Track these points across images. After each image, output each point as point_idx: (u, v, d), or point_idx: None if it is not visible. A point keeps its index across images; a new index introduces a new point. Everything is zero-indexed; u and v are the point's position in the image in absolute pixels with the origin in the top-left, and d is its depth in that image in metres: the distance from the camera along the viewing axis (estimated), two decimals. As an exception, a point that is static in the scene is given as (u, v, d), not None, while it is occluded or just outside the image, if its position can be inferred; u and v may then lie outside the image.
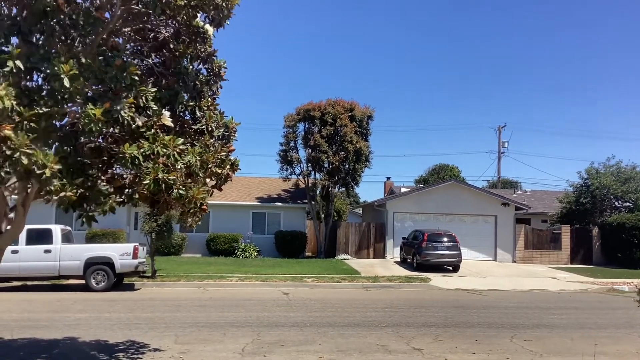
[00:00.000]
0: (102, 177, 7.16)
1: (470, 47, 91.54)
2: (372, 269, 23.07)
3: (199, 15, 7.78)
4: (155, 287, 17.67)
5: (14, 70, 5.37)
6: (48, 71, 5.69)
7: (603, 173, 31.28)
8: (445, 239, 23.16)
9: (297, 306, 13.98)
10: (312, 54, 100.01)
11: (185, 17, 7.48)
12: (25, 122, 5.26)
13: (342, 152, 28.07)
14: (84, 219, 6.43)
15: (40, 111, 5.52)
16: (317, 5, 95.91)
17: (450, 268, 23.33)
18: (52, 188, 5.70)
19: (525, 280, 21.00)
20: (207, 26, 7.92)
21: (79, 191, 6.21)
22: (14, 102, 5.18)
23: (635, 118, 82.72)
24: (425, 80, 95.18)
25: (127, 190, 6.93)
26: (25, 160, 5.12)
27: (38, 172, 5.25)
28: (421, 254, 22.91)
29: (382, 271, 22.36)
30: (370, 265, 24.62)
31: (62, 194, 5.85)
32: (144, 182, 6.17)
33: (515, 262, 28.23)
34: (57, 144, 6.09)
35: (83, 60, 6.10)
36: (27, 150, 5.13)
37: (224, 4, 7.48)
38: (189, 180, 6.82)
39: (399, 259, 26.76)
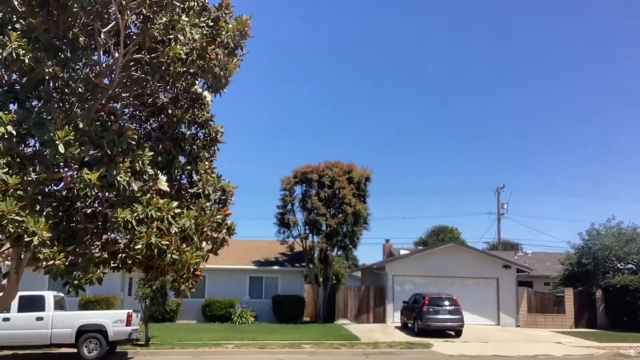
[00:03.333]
0: (97, 243, 7.07)
1: (468, 109, 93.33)
2: (372, 334, 22.49)
3: (197, 82, 7.93)
4: (148, 355, 17.12)
5: (6, 136, 5.39)
6: (43, 137, 5.72)
7: (604, 234, 31.09)
8: (446, 303, 22.70)
9: (295, 375, 13.51)
10: (310, 117, 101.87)
11: (184, 84, 7.62)
12: (11, 190, 5.22)
13: (340, 215, 27.99)
14: (70, 288, 6.28)
15: (29, 178, 5.50)
16: (315, 70, 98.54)
17: (453, 333, 22.74)
18: (41, 256, 5.61)
19: (529, 346, 20.44)
20: (206, 93, 8.06)
21: (68, 258, 6.11)
22: (1, 172, 5.17)
23: (635, 179, 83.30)
24: (422, 142, 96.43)
25: (120, 255, 6.83)
26: (11, 228, 5.06)
27: (27, 239, 5.18)
28: (422, 319, 22.40)
29: (383, 337, 21.79)
30: (370, 330, 24.03)
31: (52, 262, 5.75)
32: (136, 247, 6.09)
33: (518, 326, 27.59)
34: (48, 209, 6.04)
35: (80, 125, 6.15)
36: (15, 217, 5.07)
37: (222, 72, 7.63)
38: (184, 244, 6.74)
39: (399, 324, 26.14)
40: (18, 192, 5.30)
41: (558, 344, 21.31)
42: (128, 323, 16.25)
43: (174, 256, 6.19)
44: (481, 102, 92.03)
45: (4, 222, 5.01)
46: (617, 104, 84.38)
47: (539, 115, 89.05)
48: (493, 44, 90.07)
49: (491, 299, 28.12)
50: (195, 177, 7.87)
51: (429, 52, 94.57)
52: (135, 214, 5.98)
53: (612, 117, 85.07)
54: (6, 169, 5.32)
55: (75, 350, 16.14)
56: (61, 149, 5.52)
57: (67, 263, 6.07)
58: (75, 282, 6.35)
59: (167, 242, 6.05)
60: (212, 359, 16.43)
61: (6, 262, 7.03)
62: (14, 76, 6.59)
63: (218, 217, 7.28)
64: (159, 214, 6.07)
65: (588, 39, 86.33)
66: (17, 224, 5.10)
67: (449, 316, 22.44)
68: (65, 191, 6.57)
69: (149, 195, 6.37)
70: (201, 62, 7.18)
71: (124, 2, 6.31)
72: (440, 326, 22.40)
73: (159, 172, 6.96)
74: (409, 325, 24.21)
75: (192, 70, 7.26)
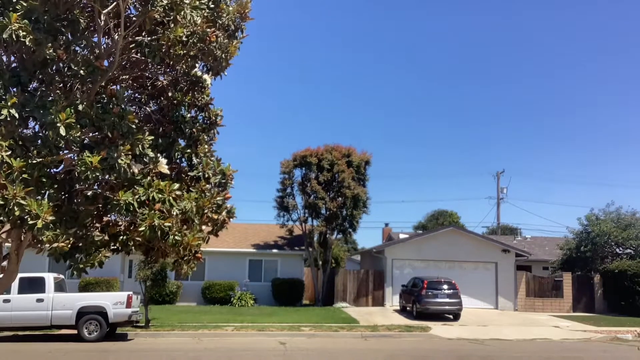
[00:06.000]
0: (97, 225, 7.07)
1: (470, 94, 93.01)
2: (371, 317, 22.64)
3: (197, 65, 7.86)
4: (148, 337, 17.25)
5: (8, 119, 5.36)
6: (44, 119, 5.69)
7: (603, 219, 31.13)
8: (445, 287, 22.81)
9: (294, 356, 13.62)
10: (310, 102, 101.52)
11: (184, 67, 7.56)
12: (16, 173, 5.21)
13: (340, 198, 28.01)
14: (74, 270, 6.31)
15: (33, 161, 5.49)
16: (314, 54, 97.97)
17: (451, 316, 22.89)
18: (44, 238, 5.61)
19: (527, 329, 20.59)
20: (205, 76, 8.00)
21: (71, 241, 6.11)
22: (5, 154, 5.16)
23: (634, 165, 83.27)
24: (423, 126, 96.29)
25: (121, 237, 6.83)
26: (17, 212, 5.06)
27: (31, 222, 5.18)
28: (421, 302, 22.52)
29: (382, 320, 21.93)
30: (369, 313, 24.18)
31: (55, 244, 5.76)
32: (140, 229, 6.09)
33: (516, 310, 27.76)
34: (51, 191, 6.03)
35: (80, 107, 6.12)
36: (21, 201, 5.07)
37: (223, 55, 7.57)
38: (185, 226, 6.74)
39: (398, 307, 26.30)
40: (23, 174, 5.29)
41: (556, 327, 21.45)
42: (128, 305, 16.35)
43: (176, 237, 6.19)
44: (482, 87, 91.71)
45: (10, 206, 5.01)
46: (617, 91, 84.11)
47: (539, 100, 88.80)
48: (495, 30, 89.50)
49: (490, 283, 28.26)
50: (195, 161, 7.84)
51: (431, 37, 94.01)
52: (136, 196, 5.98)
53: (612, 103, 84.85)
54: (9, 152, 5.31)
55: (75, 331, 16.26)
56: (62, 131, 5.50)
57: (70, 245, 6.08)
58: (80, 265, 6.37)
59: (170, 224, 6.05)
60: (212, 340, 16.54)
61: (6, 244, 7.03)
62: (13, 58, 6.54)
63: (218, 199, 7.28)
64: (160, 195, 6.06)
65: (589, 28, 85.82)
66: (22, 208, 5.10)
67: (447, 300, 22.57)
68: (64, 173, 6.56)
69: (149, 178, 6.36)
70: (201, 44, 7.11)
71: (124, -17, 6.24)
72: (438, 310, 22.54)
73: (159, 155, 6.94)
74: (408, 308, 24.36)
75: (192, 53, 7.20)
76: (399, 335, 18.47)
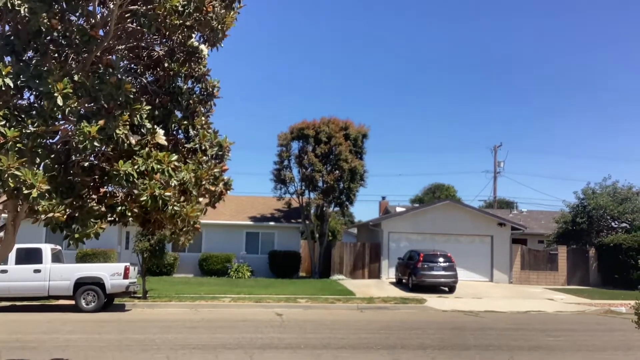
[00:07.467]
0: (93, 196, 7.03)
1: (468, 68, 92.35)
2: (367, 289, 22.84)
3: (194, 35, 7.72)
4: (146, 307, 17.39)
5: (3, 88, 5.27)
6: (41, 89, 5.60)
7: (599, 193, 31.26)
8: (441, 260, 22.99)
9: (290, 327, 13.76)
10: (307, 74, 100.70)
11: (180, 37, 7.43)
12: (10, 143, 5.13)
13: (337, 171, 27.99)
14: (71, 241, 6.29)
15: (27, 131, 5.41)
16: (313, 27, 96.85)
17: (447, 289, 23.13)
18: (40, 208, 5.57)
19: (522, 302, 20.82)
20: (202, 46, 7.87)
21: (67, 211, 6.07)
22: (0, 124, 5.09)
23: (631, 139, 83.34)
24: (421, 99, 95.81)
25: (119, 208, 6.80)
26: (12, 183, 5.00)
27: (25, 191, 5.13)
28: (417, 275, 22.72)
29: (377, 292, 22.14)
30: (365, 285, 24.40)
31: (51, 214, 5.72)
32: (141, 199, 6.05)
33: (511, 283, 28.06)
34: (46, 161, 5.97)
35: (76, 77, 6.02)
36: (15, 172, 5.01)
37: (219, 26, 7.43)
38: (182, 198, 6.71)
39: (394, 280, 26.54)
40: (17, 145, 5.23)
41: (550, 300, 21.71)
42: (125, 276, 16.44)
43: (175, 208, 6.16)
44: (480, 61, 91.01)
45: (4, 176, 4.95)
46: (616, 70, 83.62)
47: (538, 75, 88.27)
48: (492, 6, 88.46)
49: (485, 256, 28.47)
50: (191, 132, 7.77)
51: (429, 12, 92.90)
52: (136, 167, 5.94)
53: (611, 82, 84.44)
54: (3, 122, 5.23)
55: (73, 302, 16.38)
56: (59, 101, 5.42)
57: (66, 216, 6.04)
58: (77, 235, 6.34)
59: (170, 194, 6.03)
60: (209, 312, 16.70)
61: (3, 215, 6.99)
62: (7, 27, 6.41)
63: (215, 170, 7.23)
64: (158, 166, 6.02)
65: (587, 18, 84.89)
66: (17, 179, 5.05)
67: (443, 272, 22.76)
68: (61, 144, 6.49)
69: (147, 149, 6.30)
70: (198, 14, 6.97)
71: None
72: (434, 282, 22.75)
73: (156, 126, 6.87)
74: (404, 281, 24.56)
75: (188, 23, 7.05)
76: (394, 307, 18.67)
